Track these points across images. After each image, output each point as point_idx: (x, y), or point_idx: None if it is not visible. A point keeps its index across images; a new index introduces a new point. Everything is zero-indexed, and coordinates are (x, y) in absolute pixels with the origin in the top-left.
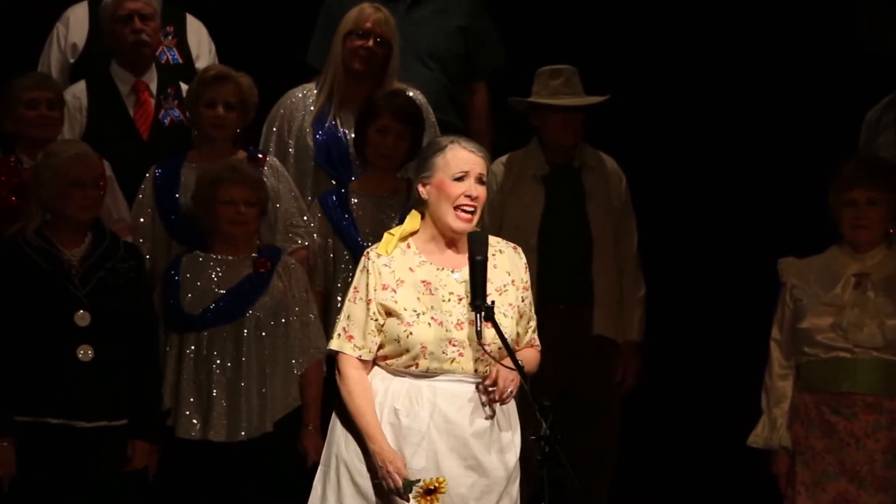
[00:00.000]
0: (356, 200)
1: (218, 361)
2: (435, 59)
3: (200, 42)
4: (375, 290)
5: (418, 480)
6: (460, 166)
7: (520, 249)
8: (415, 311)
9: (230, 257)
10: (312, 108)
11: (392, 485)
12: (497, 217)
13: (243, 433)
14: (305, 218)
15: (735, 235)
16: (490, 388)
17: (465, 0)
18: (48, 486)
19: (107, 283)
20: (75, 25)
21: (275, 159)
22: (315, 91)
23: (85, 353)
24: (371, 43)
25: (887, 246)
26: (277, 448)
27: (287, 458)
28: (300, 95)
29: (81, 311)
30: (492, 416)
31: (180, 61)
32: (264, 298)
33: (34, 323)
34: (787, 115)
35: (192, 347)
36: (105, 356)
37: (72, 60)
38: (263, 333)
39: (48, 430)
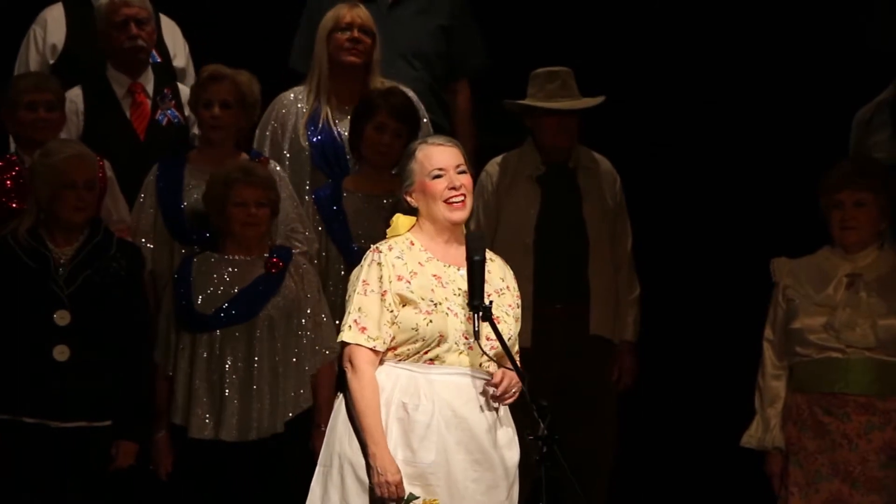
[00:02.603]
0: (349, 199)
1: (230, 361)
2: (419, 59)
3: (175, 41)
4: (391, 281)
5: (417, 497)
6: (434, 164)
7: (505, 261)
8: (431, 300)
9: (242, 258)
10: (305, 110)
11: (388, 495)
12: (493, 218)
13: (254, 433)
14: (305, 224)
15: (730, 236)
16: (492, 386)
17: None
18: (25, 484)
19: (93, 283)
20: (53, 26)
21: (275, 164)
22: (304, 93)
23: (61, 352)
24: (356, 33)
25: (879, 247)
26: (288, 448)
27: (298, 459)
28: (291, 98)
29: (61, 311)
30: (496, 412)
31: (159, 60)
32: (277, 299)
33: (14, 321)
34: (782, 115)
35: (205, 348)
36: (84, 356)
37: (52, 61)
38: (276, 334)
39: (24, 429)
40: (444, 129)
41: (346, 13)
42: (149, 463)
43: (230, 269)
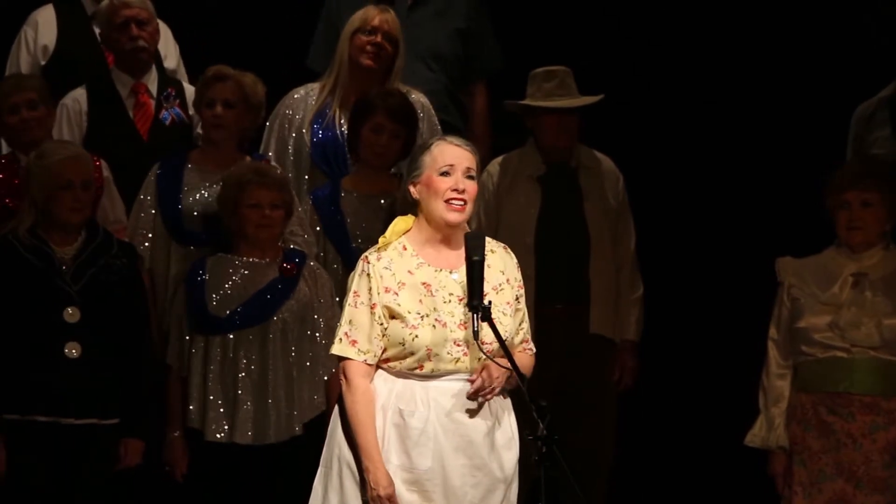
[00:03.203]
0: (347, 199)
1: (244, 364)
2: (437, 61)
3: (166, 42)
4: (378, 293)
5: None
6: (446, 160)
7: (509, 249)
8: (418, 313)
9: (256, 260)
10: (314, 105)
11: None
12: (493, 217)
13: (270, 437)
14: (304, 228)
15: (733, 235)
16: (470, 383)
17: (463, 2)
18: (38, 484)
19: (98, 280)
20: (44, 27)
21: (277, 167)
22: (317, 90)
23: (72, 350)
24: (379, 38)
25: (885, 246)
26: (304, 451)
27: (312, 463)
28: (300, 95)
29: (71, 308)
30: (492, 416)
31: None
32: (290, 302)
33: (24, 320)
34: (784, 114)
35: (219, 350)
36: (94, 353)
37: (43, 62)
38: (290, 337)
39: (36, 428)
40: (460, 130)
41: (374, 16)
42: (164, 464)
43: (243, 272)
